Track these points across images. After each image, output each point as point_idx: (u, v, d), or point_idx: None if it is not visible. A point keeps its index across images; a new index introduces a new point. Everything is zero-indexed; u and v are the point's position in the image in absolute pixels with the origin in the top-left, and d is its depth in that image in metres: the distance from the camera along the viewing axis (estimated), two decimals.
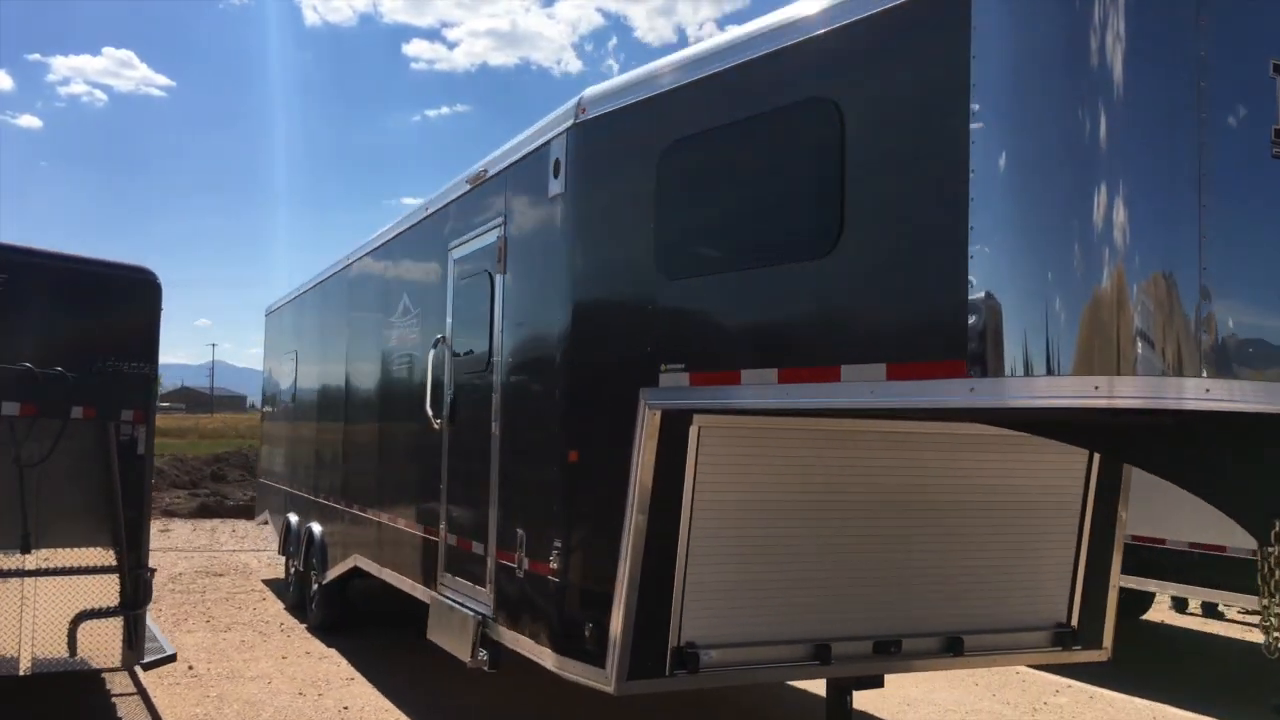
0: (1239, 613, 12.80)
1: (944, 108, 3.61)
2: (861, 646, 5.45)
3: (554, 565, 5.40)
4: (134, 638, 6.79)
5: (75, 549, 6.56)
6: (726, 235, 4.57)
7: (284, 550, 12.66)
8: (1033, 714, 8.17)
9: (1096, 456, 5.84)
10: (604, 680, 5.00)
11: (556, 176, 5.59)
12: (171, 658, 7.23)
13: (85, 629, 6.59)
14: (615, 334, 5.23)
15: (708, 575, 5.06)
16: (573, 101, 5.53)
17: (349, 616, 10.78)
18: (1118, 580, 6.03)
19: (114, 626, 6.73)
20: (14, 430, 5.93)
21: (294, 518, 12.11)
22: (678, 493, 4.91)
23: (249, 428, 25.29)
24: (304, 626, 10.96)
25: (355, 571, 9.73)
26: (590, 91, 5.43)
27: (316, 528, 10.87)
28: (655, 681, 5.02)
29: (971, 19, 3.51)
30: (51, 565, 6.48)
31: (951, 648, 5.63)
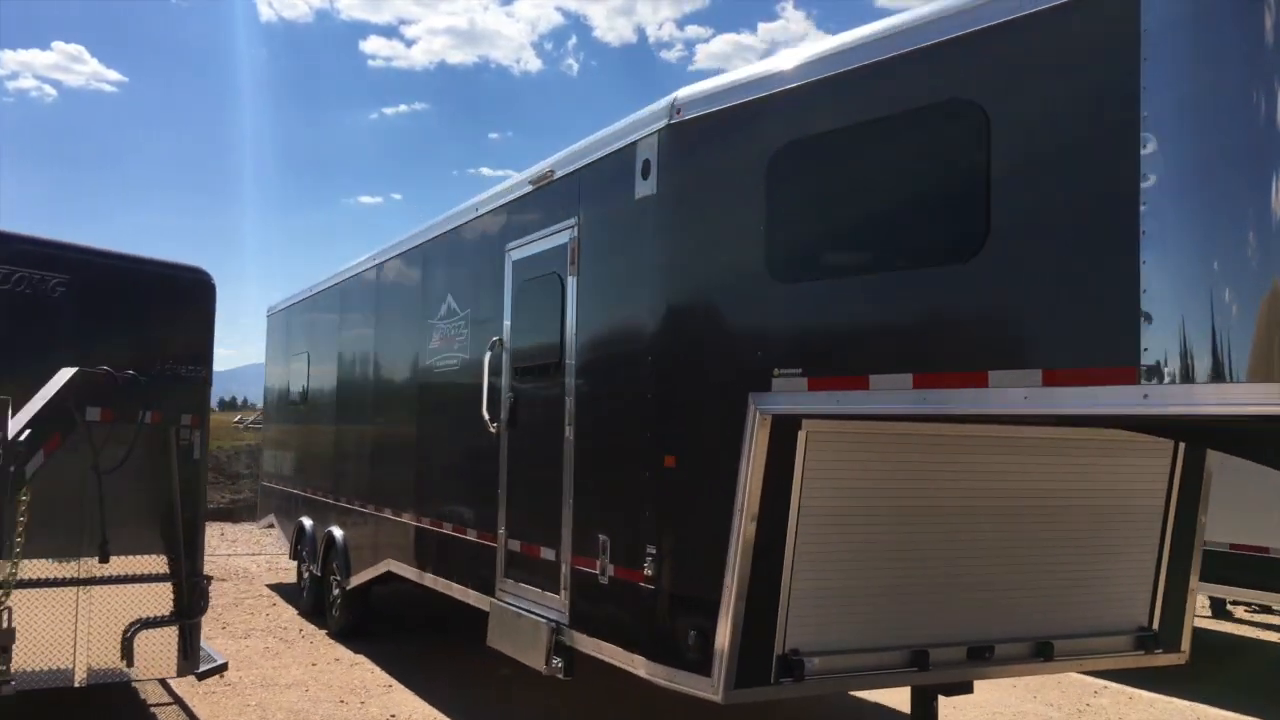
0: (1246, 611, 12.97)
1: (1111, 112, 3.58)
2: (956, 652, 5.42)
3: (648, 572, 5.32)
4: (189, 647, 6.64)
5: (132, 556, 6.40)
6: (851, 239, 4.52)
7: (296, 555, 12.46)
8: (1079, 715, 8.21)
9: (1180, 459, 5.86)
10: (710, 689, 4.94)
11: (646, 178, 5.51)
12: (223, 667, 7.08)
13: (142, 638, 6.43)
14: (716, 338, 5.16)
15: (811, 582, 5.01)
16: (664, 102, 5.45)
17: (371, 622, 10.65)
18: (1197, 583, 6.05)
19: (169, 635, 6.57)
20: (92, 436, 5.75)
21: (308, 521, 11.92)
22: (785, 499, 4.85)
23: (224, 429, 24.91)
24: (324, 632, 10.80)
25: (382, 577, 9.61)
26: (685, 92, 5.36)
27: (338, 531, 10.69)
28: (761, 690, 4.96)
29: (1140, 21, 3.49)
30: (108, 573, 6.31)
31: (1041, 652, 5.62)
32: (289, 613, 12.00)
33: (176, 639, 6.58)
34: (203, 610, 6.67)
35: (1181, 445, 5.83)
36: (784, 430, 4.78)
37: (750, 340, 4.87)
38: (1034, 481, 5.57)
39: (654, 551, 5.32)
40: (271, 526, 14.31)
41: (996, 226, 3.90)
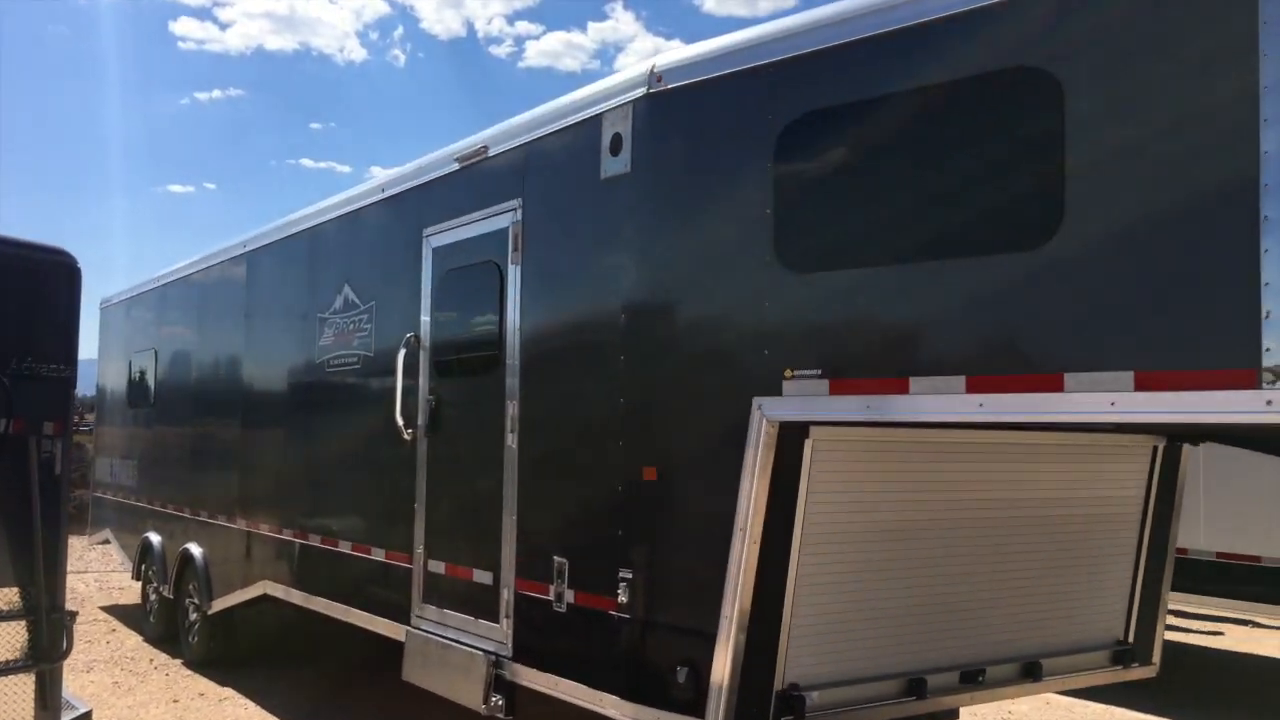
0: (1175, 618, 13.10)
1: (1221, 81, 3.18)
2: (949, 678, 5.01)
3: (621, 599, 4.70)
4: (48, 696, 5.59)
5: None
6: (886, 223, 4.01)
7: (140, 574, 11.19)
8: None
9: (1157, 466, 5.64)
10: None
11: (616, 155, 4.88)
12: (87, 716, 6.03)
13: None
14: (711, 335, 4.58)
15: (813, 609, 4.50)
16: (640, 68, 4.84)
17: (236, 648, 9.58)
18: (1168, 594, 5.84)
19: (24, 684, 5.51)
20: None
21: (157, 537, 10.71)
22: (790, 516, 4.32)
23: None
24: (180, 661, 9.67)
25: (257, 600, 8.62)
26: (667, 58, 4.76)
27: (196, 549, 9.58)
28: None
29: None
30: None
31: (1030, 673, 5.28)
32: (133, 639, 10.76)
33: (34, 687, 5.54)
34: (65, 653, 5.64)
35: (1161, 449, 5.60)
36: (790, 439, 4.24)
37: (755, 337, 4.30)
38: (1021, 490, 5.22)
39: (629, 575, 4.70)
40: (107, 542, 12.87)
41: (1073, 210, 3.46)
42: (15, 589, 5.51)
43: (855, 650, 4.71)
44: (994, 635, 5.20)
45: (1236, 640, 11.69)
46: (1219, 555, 8.38)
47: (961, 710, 6.01)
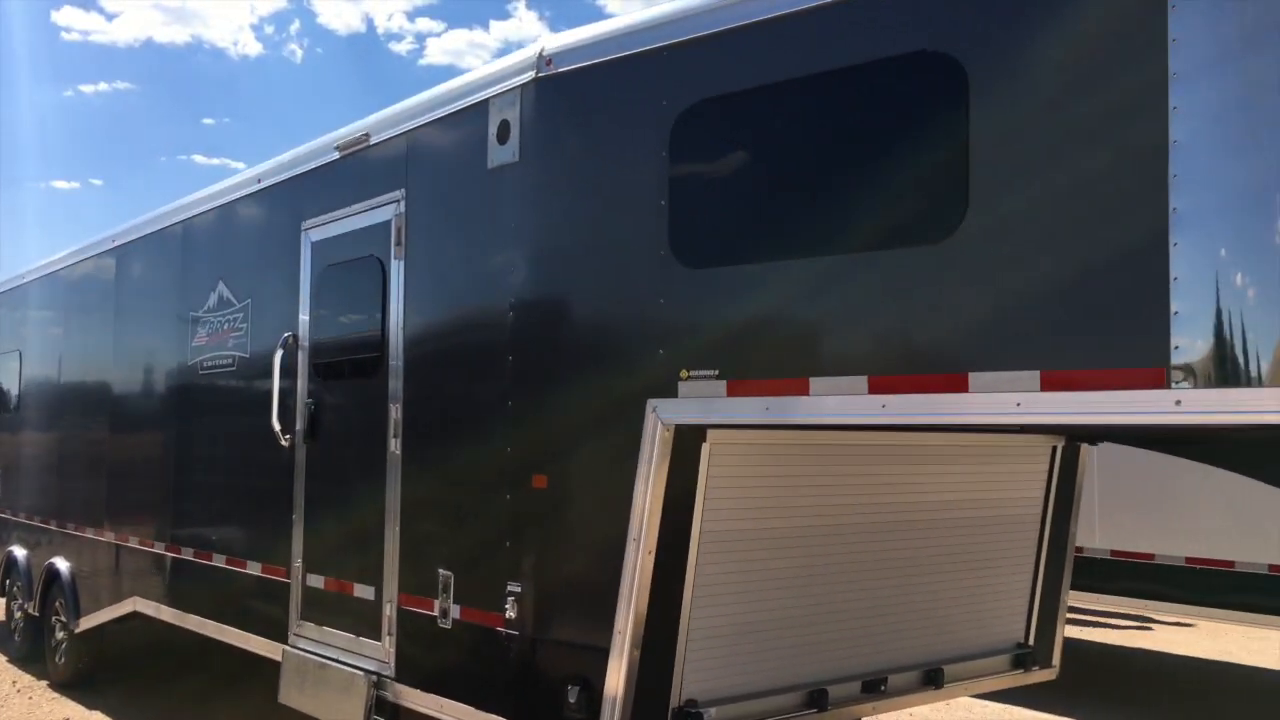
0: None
1: (1131, 68, 3.06)
2: (851, 688, 4.86)
3: (509, 614, 4.43)
4: None
5: None
6: (786, 217, 3.81)
7: (4, 590, 10.52)
8: None
9: (1056, 467, 5.58)
10: None
11: (504, 143, 4.61)
12: None
13: None
14: (603, 334, 4.34)
15: (711, 620, 4.29)
16: (529, 52, 4.58)
17: (106, 668, 9.02)
18: (1068, 595, 5.80)
19: None
20: None
21: (20, 551, 10.07)
22: (686, 523, 4.10)
23: None
24: (45, 683, 9.06)
25: (125, 617, 8.10)
26: (557, 41, 4.50)
27: (63, 563, 8.99)
28: None
29: None
30: None
31: (932, 680, 5.16)
32: None
33: None
34: None
35: (1060, 449, 5.54)
36: (686, 443, 4.02)
37: (649, 336, 4.07)
38: (923, 494, 5.10)
39: (517, 589, 4.43)
40: None
41: (978, 201, 3.30)
42: None
43: (755, 663, 4.52)
44: (896, 642, 5.07)
45: (1131, 637, 11.91)
46: (1114, 554, 8.44)
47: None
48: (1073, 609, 12.05)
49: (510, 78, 4.63)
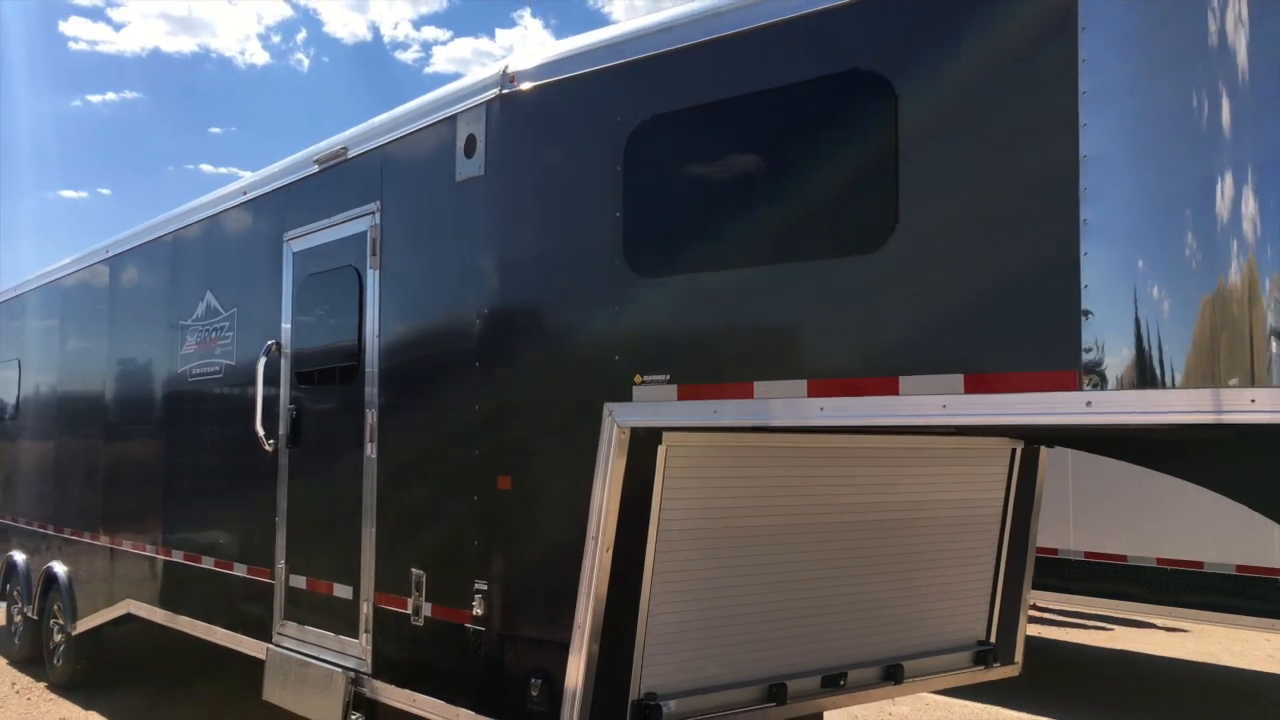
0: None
1: (1044, 85, 3.22)
2: (810, 683, 5.01)
3: (477, 611, 4.60)
4: None
5: None
6: (729, 227, 3.98)
7: (4, 594, 10.72)
8: None
9: (1016, 469, 5.73)
10: None
11: (470, 157, 4.79)
12: None
13: None
14: (563, 340, 4.51)
15: (669, 615, 4.45)
16: (494, 70, 4.76)
17: (103, 670, 9.20)
18: (1029, 594, 5.94)
19: None
20: None
21: (20, 556, 10.26)
22: (643, 522, 4.27)
23: None
24: (44, 685, 9.25)
25: (121, 619, 8.29)
26: (521, 59, 4.68)
27: (60, 567, 9.20)
28: None
29: None
30: None
31: (892, 675, 5.30)
32: None
33: None
34: None
35: (1020, 451, 5.69)
36: (643, 445, 4.19)
37: (606, 342, 4.25)
38: (882, 494, 5.25)
39: (484, 587, 4.60)
40: None
41: (907, 213, 3.47)
42: None
43: (714, 657, 4.68)
44: (855, 638, 5.22)
45: (1110, 638, 12.02)
46: (1088, 555, 8.58)
47: (830, 714, 6.06)
48: (1059, 611, 12.27)
49: (477, 94, 4.81)
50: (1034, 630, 12.36)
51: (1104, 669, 10.59)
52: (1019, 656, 5.95)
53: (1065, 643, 11.56)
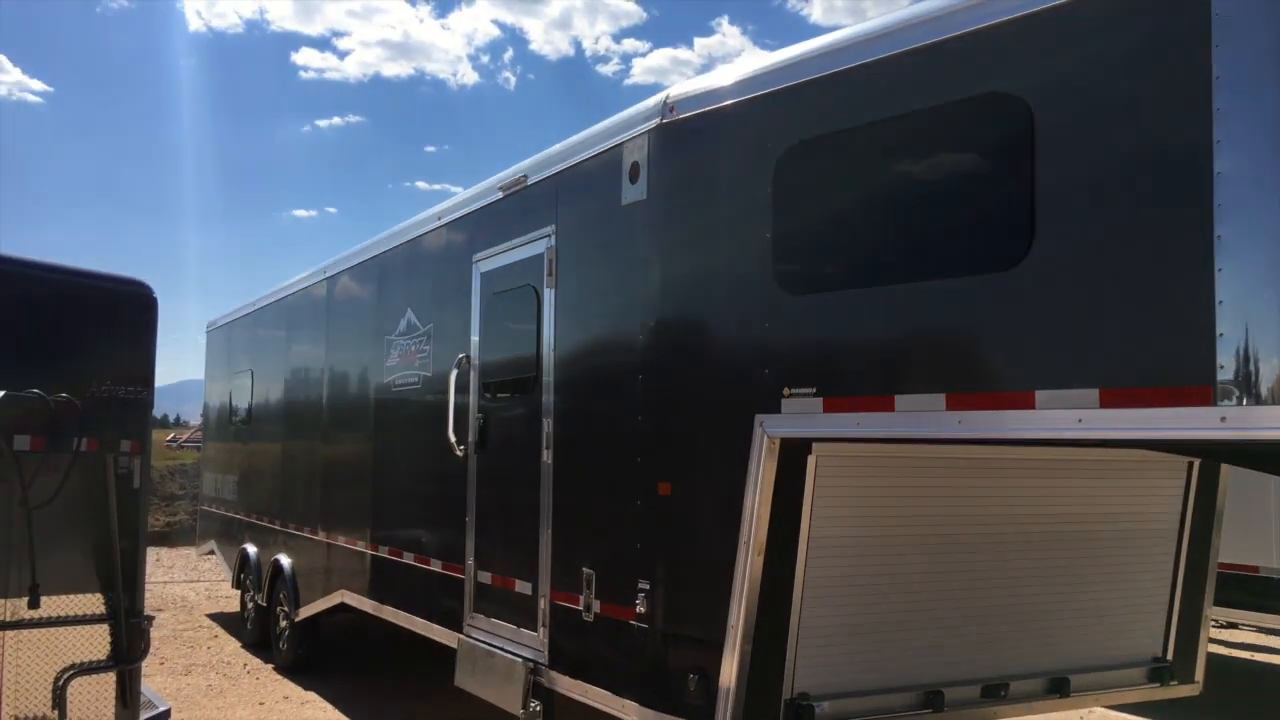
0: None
1: (1178, 104, 3.24)
2: (970, 691, 5.06)
3: (640, 609, 4.89)
4: (128, 694, 6.04)
5: (65, 596, 5.80)
6: (871, 246, 4.14)
7: (239, 583, 11.81)
8: None
9: (1194, 482, 5.57)
10: None
11: (635, 182, 5.10)
12: (166, 715, 6.47)
13: (75, 686, 5.83)
14: (718, 355, 4.75)
15: (821, 619, 4.61)
16: (655, 100, 5.05)
17: (320, 655, 10.05)
18: (1210, 610, 5.75)
19: (106, 682, 5.97)
20: (21, 466, 5.17)
21: (252, 548, 11.29)
22: (794, 529, 4.45)
23: (157, 448, 23.83)
24: (271, 666, 10.18)
25: (335, 607, 9.06)
26: (679, 90, 4.96)
27: (285, 560, 10.10)
28: None
29: (1211, 4, 3.15)
30: (37, 615, 5.71)
31: (1057, 688, 5.28)
32: (232, 645, 11.35)
33: (114, 686, 5.98)
34: (144, 654, 6.07)
35: (1197, 464, 5.54)
36: (793, 454, 4.38)
37: (757, 357, 4.46)
38: (1048, 506, 5.24)
39: (646, 586, 4.89)
40: (212, 553, 13.59)
41: (1044, 231, 3.54)
42: (100, 595, 6.00)
43: (870, 661, 4.80)
44: (1018, 649, 5.22)
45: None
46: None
47: None
48: (1259, 630, 11.57)
49: (640, 123, 5.11)
50: (1230, 652, 11.74)
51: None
52: (1199, 675, 5.77)
53: (1267, 665, 10.87)
